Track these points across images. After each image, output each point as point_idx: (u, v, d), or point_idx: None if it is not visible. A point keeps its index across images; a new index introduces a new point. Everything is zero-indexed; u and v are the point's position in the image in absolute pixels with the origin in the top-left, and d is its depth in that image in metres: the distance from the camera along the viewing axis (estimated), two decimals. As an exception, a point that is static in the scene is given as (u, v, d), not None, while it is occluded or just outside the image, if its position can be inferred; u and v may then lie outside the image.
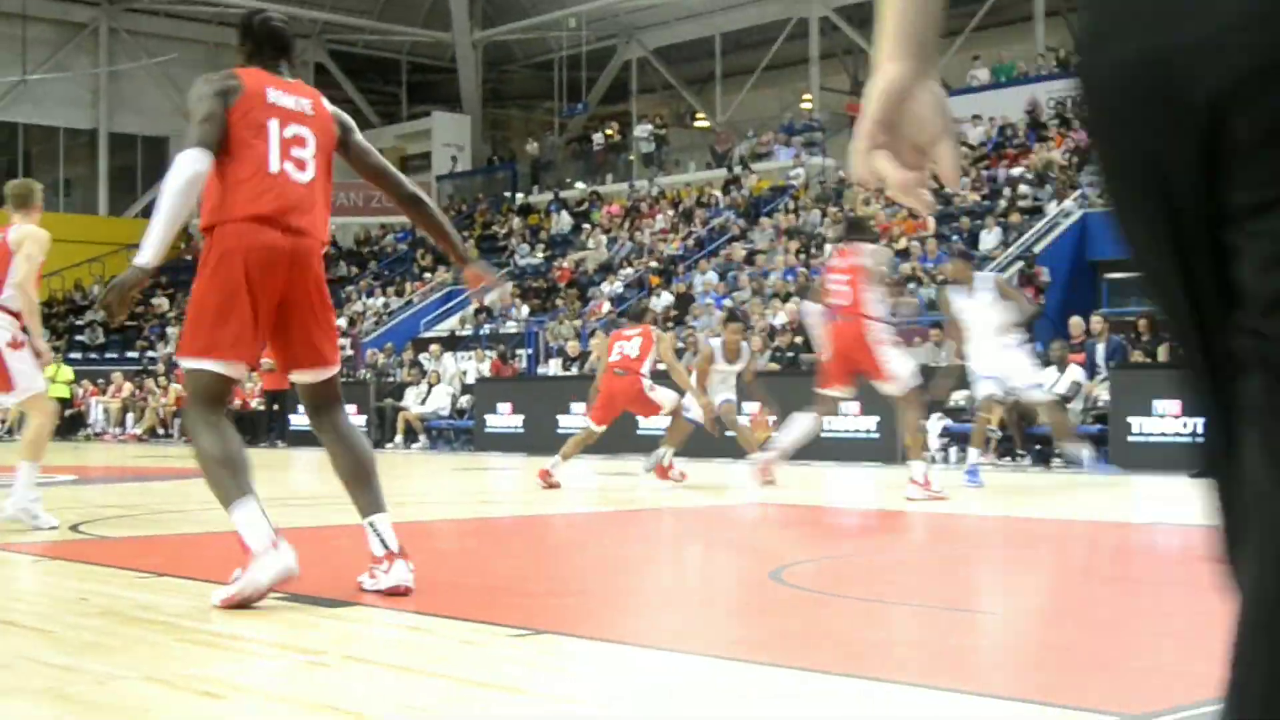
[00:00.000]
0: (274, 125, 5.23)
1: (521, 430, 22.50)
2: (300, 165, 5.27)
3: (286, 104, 5.31)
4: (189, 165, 5.02)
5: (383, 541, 5.32)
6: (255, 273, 5.11)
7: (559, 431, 21.75)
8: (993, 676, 3.87)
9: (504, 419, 22.93)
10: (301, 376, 5.44)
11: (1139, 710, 3.36)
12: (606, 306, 29.08)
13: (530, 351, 27.90)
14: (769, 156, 36.44)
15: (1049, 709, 3.34)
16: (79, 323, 38.18)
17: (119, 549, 7.32)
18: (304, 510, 9.88)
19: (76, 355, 34.68)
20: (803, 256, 27.59)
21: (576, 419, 21.50)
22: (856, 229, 12.16)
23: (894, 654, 4.24)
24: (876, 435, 18.31)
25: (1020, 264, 23.28)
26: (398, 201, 5.65)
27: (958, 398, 18.58)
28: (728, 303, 25.70)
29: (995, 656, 4.23)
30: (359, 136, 5.59)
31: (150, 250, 4.96)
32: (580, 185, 40.56)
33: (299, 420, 27.17)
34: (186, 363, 5.25)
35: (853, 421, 18.52)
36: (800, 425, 11.83)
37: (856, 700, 3.55)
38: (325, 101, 5.53)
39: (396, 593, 5.21)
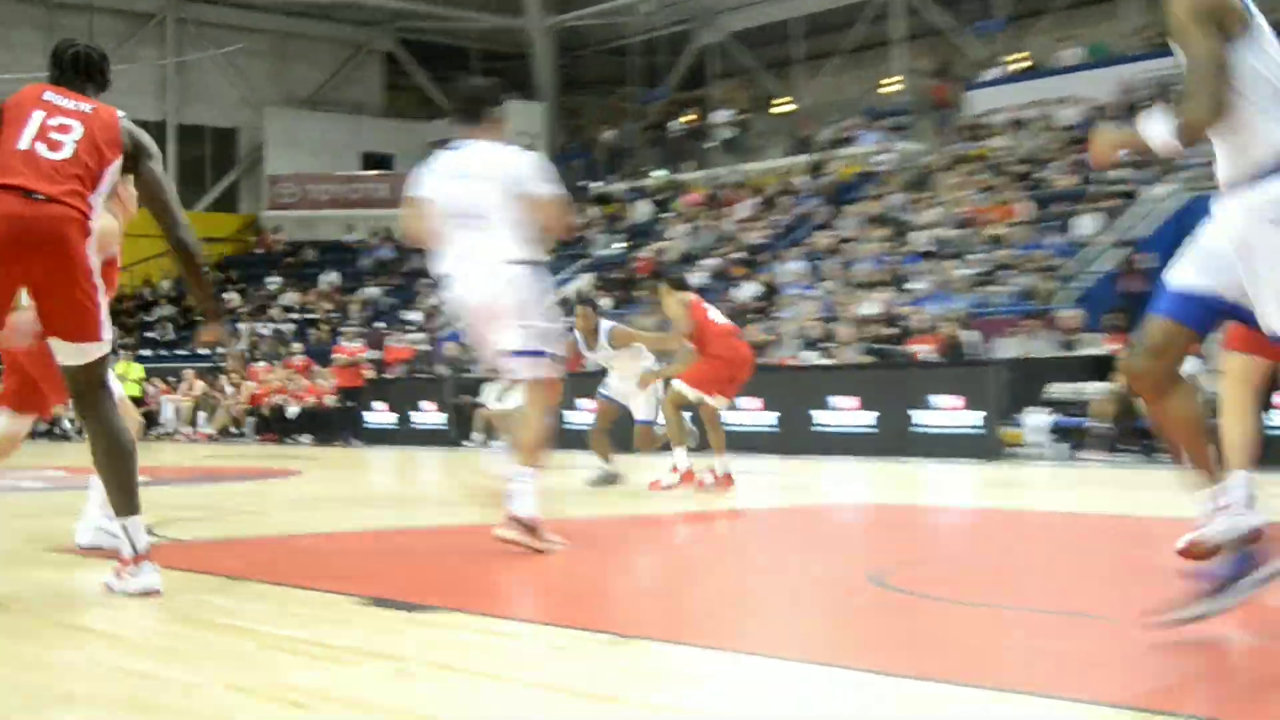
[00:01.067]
0: (38, 115, 5.50)
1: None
2: (55, 146, 5.45)
3: (61, 103, 5.58)
4: None
5: (133, 544, 5.49)
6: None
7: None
8: (1106, 683, 3.77)
9: (585, 416, 22.87)
10: (63, 354, 5.52)
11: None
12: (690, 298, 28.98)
13: (609, 345, 27.86)
14: (853, 142, 36.23)
15: (1165, 718, 3.25)
16: (148, 319, 38.48)
17: (194, 552, 7.34)
18: (384, 511, 9.90)
19: (146, 352, 34.85)
20: (891, 245, 27.40)
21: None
22: None
23: (1008, 660, 4.15)
24: (982, 430, 17.99)
25: (1124, 249, 22.99)
26: (168, 243, 5.77)
27: (1064, 390, 18.31)
28: (813, 293, 25.57)
29: (1111, 662, 4.13)
30: (155, 166, 5.75)
31: None
32: (659, 173, 40.51)
33: (374, 418, 27.32)
34: None
35: (953, 416, 18.26)
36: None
37: (964, 709, 3.47)
38: (120, 116, 5.70)
39: (149, 593, 5.35)
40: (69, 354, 5.51)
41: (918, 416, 18.45)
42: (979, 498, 12.27)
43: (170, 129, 42.86)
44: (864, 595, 5.66)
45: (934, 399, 18.35)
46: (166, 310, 38.77)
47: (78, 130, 5.51)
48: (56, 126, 5.49)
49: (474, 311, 7.47)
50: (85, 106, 5.61)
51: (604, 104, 50.33)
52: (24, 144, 5.42)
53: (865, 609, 5.36)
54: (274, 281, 39.90)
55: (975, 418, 18.09)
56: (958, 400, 18.25)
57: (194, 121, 43.78)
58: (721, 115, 40.40)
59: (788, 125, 41.13)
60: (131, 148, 5.67)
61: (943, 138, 34.64)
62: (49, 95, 5.61)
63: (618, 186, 40.44)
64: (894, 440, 18.02)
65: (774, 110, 44.46)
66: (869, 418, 18.66)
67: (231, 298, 38.83)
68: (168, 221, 5.74)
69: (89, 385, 5.57)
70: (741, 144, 39.59)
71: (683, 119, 42.26)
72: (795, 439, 18.92)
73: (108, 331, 5.58)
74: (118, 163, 5.61)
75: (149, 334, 37.43)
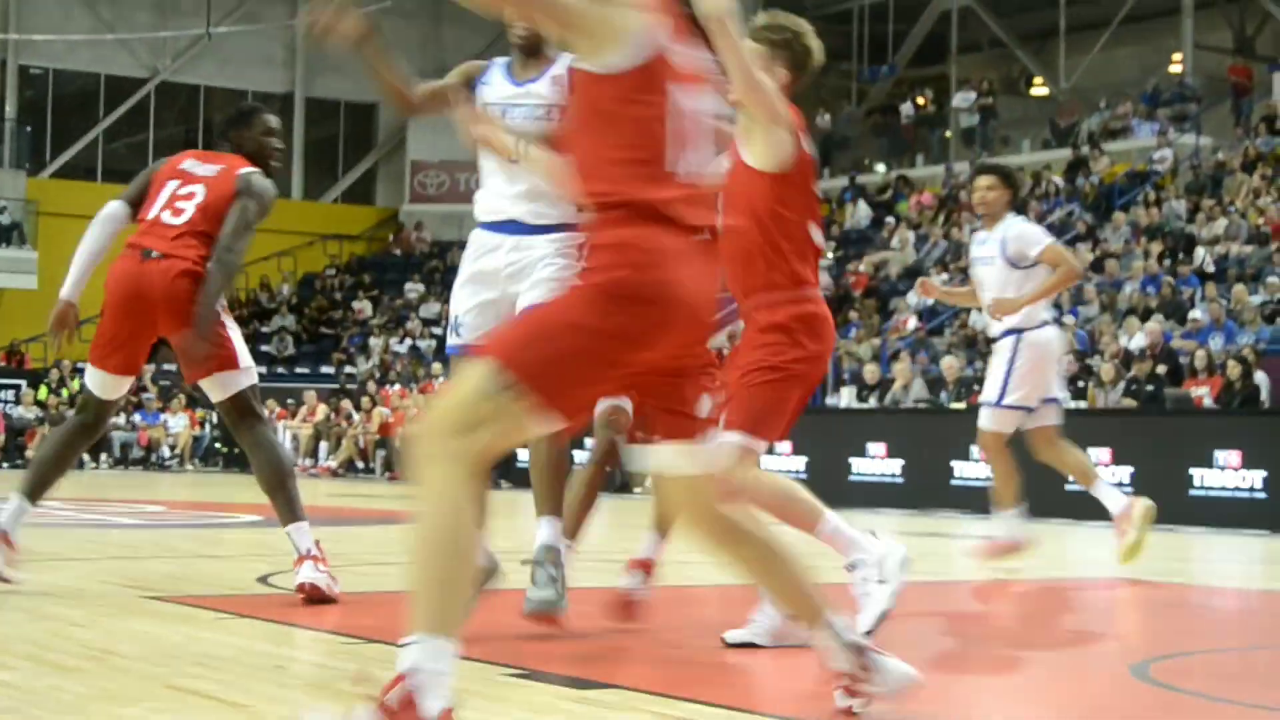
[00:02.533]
0: (173, 185, 7.68)
1: (805, 476, 22.34)
2: (177, 212, 7.58)
3: (194, 170, 7.76)
4: (104, 209, 7.83)
5: (297, 546, 7.44)
6: (121, 296, 7.50)
7: (851, 479, 21.63)
8: None
9: (779, 461, 22.86)
10: (209, 389, 7.54)
11: None
12: (913, 322, 28.88)
13: (815, 377, 27.70)
14: (1126, 134, 35.84)
15: None
16: (264, 329, 38.84)
17: (316, 607, 7.51)
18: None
19: (262, 369, 34.94)
20: (1167, 263, 27.02)
21: (873, 463, 21.38)
22: None
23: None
24: (1262, 494, 17.69)
25: None
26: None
27: None
28: (1069, 319, 25.33)
29: None
30: (243, 199, 7.65)
31: (68, 284, 7.71)
32: (882, 168, 40.40)
33: (527, 455, 27.52)
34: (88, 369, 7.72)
35: (1230, 476, 17.96)
36: None
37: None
38: (241, 170, 7.73)
39: (302, 591, 7.27)
40: (215, 388, 7.48)
41: (1197, 476, 18.13)
42: (1262, 578, 12.12)
43: (298, 104, 43.44)
44: (1124, 691, 5.65)
45: (1219, 455, 18.00)
46: (286, 320, 39.27)
47: (200, 195, 7.61)
48: (184, 195, 7.63)
49: None
50: (212, 170, 7.72)
51: (819, 82, 50.30)
52: (153, 213, 7.65)
53: (1127, 708, 5.34)
54: (414, 289, 40.23)
55: (1255, 478, 17.78)
56: (1237, 456, 17.93)
57: (326, 95, 44.13)
58: (963, 98, 40.19)
59: (1044, 112, 40.79)
60: (235, 190, 7.64)
61: (1239, 131, 34.11)
62: (188, 164, 7.81)
63: (832, 184, 40.41)
64: (1160, 505, 17.72)
65: (1028, 93, 44.11)
66: (1124, 474, 18.38)
67: (363, 307, 39.34)
68: (220, 241, 7.55)
69: (240, 412, 7.52)
70: (986, 134, 39.33)
71: (915, 102, 42.11)
72: (1041, 500, 18.75)
73: (246, 358, 7.52)
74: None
75: (264, 347, 37.15)
